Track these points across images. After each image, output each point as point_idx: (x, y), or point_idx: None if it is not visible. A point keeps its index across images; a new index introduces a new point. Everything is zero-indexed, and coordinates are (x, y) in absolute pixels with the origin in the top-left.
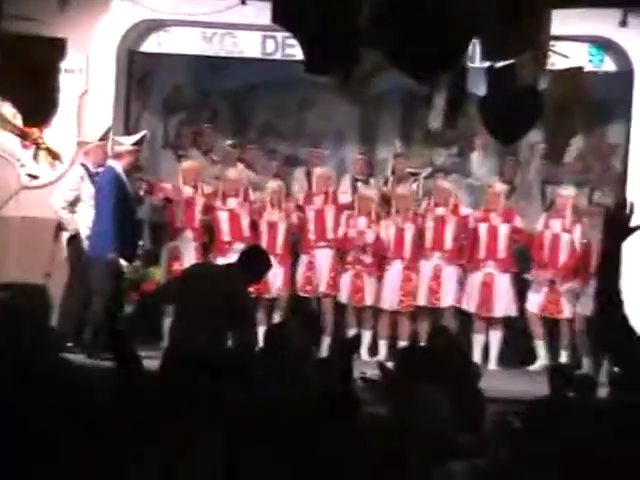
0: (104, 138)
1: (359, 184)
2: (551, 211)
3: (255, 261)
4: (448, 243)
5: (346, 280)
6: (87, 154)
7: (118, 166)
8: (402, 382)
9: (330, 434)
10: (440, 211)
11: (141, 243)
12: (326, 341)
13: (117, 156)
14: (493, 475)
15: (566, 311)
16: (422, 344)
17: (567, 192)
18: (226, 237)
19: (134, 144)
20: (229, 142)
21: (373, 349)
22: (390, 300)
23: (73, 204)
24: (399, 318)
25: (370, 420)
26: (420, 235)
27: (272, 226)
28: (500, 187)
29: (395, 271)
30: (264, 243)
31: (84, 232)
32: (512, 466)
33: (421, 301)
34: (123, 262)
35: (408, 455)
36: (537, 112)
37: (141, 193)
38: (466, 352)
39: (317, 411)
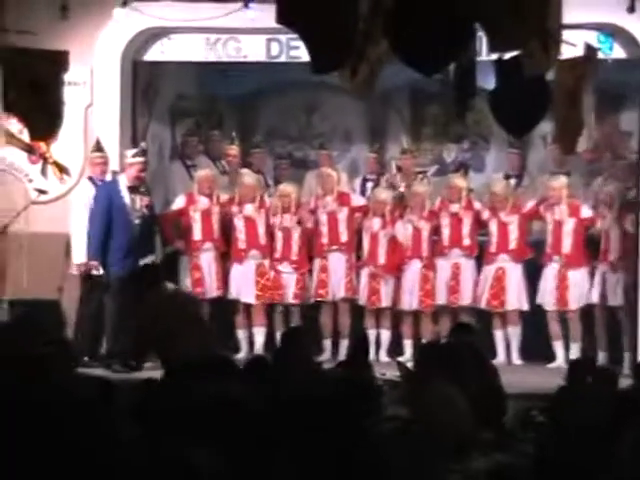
0: (97, 150)
1: (369, 184)
2: (545, 202)
3: None
4: (466, 239)
5: (362, 282)
6: (90, 167)
7: (123, 179)
8: (421, 381)
9: (347, 437)
10: (455, 208)
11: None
12: (344, 344)
13: (123, 169)
14: (517, 470)
15: (573, 302)
16: (442, 341)
17: (559, 183)
18: (242, 245)
19: (134, 155)
20: (232, 147)
21: (398, 350)
22: (409, 301)
23: None
24: (422, 317)
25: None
26: (436, 233)
27: (286, 232)
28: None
29: (412, 271)
30: (279, 249)
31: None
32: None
33: (440, 300)
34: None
35: (429, 453)
36: (546, 102)
37: (144, 210)
38: (481, 349)
39: (335, 412)
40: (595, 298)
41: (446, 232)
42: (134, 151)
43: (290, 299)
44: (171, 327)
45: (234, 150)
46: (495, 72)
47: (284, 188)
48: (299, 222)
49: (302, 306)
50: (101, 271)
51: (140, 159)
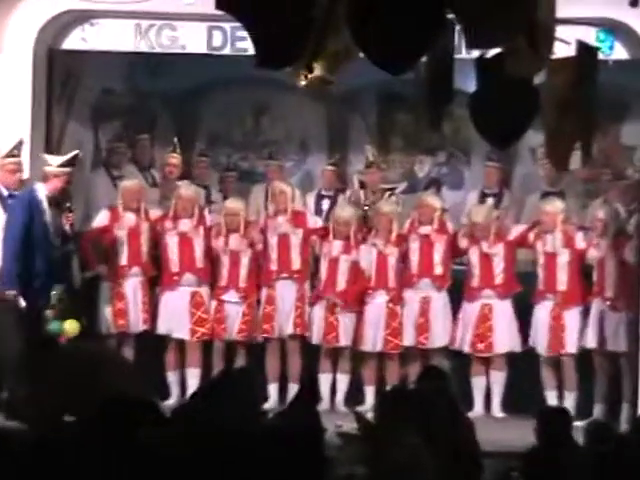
0: (13, 154)
1: (325, 201)
2: (537, 229)
3: None
4: (438, 268)
5: (317, 316)
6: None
7: (42, 191)
8: (383, 435)
9: None
10: (426, 230)
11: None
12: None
13: (43, 179)
14: None
15: (570, 346)
16: (408, 388)
17: (553, 207)
18: (175, 267)
19: (62, 165)
20: (173, 155)
21: (357, 397)
22: (373, 340)
23: None
24: (386, 360)
25: None
26: (404, 260)
27: (233, 255)
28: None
29: (377, 305)
30: (224, 275)
31: None
32: None
33: (408, 341)
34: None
35: None
36: (533, 110)
37: (67, 227)
38: (455, 398)
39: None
40: (592, 342)
41: (415, 258)
42: (61, 159)
43: (234, 335)
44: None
45: (175, 159)
46: (476, 72)
47: (232, 205)
48: (250, 244)
49: (248, 344)
50: (22, 302)
51: (67, 169)
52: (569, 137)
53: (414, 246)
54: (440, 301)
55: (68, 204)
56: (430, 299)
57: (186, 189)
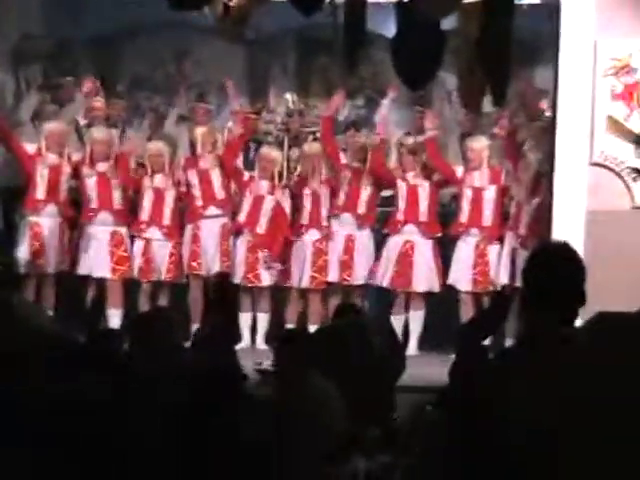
0: None
1: (252, 144)
2: (467, 167)
3: None
4: (362, 206)
5: (239, 255)
6: None
7: None
8: (294, 371)
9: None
10: (356, 165)
11: None
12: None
13: None
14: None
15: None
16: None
17: (480, 144)
18: (94, 204)
19: None
20: (96, 99)
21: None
22: (298, 277)
23: None
24: (311, 297)
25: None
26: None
27: (158, 194)
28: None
29: (305, 243)
30: (147, 213)
31: None
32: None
33: (332, 277)
34: None
35: (296, 450)
36: (440, 53)
37: None
38: (370, 331)
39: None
40: (505, 278)
41: (343, 195)
42: None
43: (163, 275)
44: None
45: (99, 102)
46: (395, 17)
47: (155, 146)
48: (177, 183)
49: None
50: None
51: None
52: (481, 80)
53: (344, 184)
54: (364, 238)
55: None
56: (355, 236)
57: (98, 132)
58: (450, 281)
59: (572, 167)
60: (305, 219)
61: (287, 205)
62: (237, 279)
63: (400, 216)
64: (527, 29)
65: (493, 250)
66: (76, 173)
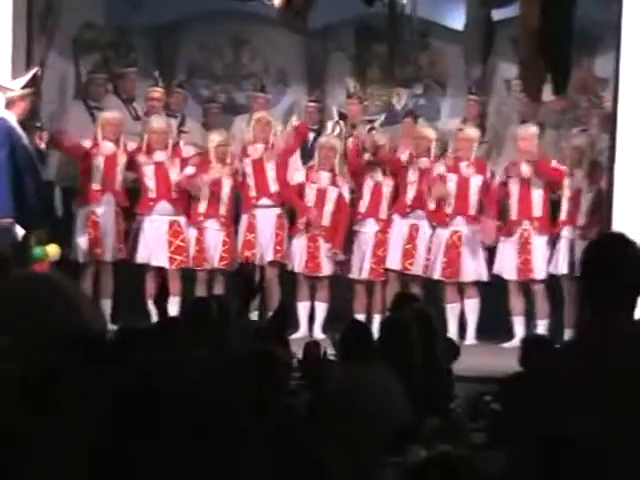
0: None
1: (311, 134)
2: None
3: None
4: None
5: (299, 245)
6: None
7: (11, 117)
8: (350, 362)
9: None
10: (424, 162)
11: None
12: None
13: (8, 105)
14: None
15: (539, 272)
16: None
17: (528, 133)
18: (152, 194)
19: (25, 87)
20: (155, 89)
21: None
22: (359, 268)
23: None
24: (373, 288)
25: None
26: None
27: (216, 185)
28: (473, 132)
29: (367, 234)
30: (205, 204)
31: None
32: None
33: (393, 266)
34: (21, 230)
35: (353, 441)
36: (491, 42)
37: (42, 146)
38: (431, 323)
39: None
40: (563, 268)
41: (412, 191)
42: (22, 81)
43: (216, 264)
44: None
45: (158, 92)
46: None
47: (216, 136)
48: (234, 173)
49: (227, 273)
50: (18, 230)
51: (31, 90)
52: (541, 69)
53: (412, 178)
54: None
55: (38, 124)
56: (418, 226)
57: (157, 121)
58: (495, 270)
59: (633, 156)
60: (364, 209)
61: (347, 195)
62: (297, 268)
63: (449, 209)
64: (588, 17)
65: (541, 240)
66: (131, 163)
